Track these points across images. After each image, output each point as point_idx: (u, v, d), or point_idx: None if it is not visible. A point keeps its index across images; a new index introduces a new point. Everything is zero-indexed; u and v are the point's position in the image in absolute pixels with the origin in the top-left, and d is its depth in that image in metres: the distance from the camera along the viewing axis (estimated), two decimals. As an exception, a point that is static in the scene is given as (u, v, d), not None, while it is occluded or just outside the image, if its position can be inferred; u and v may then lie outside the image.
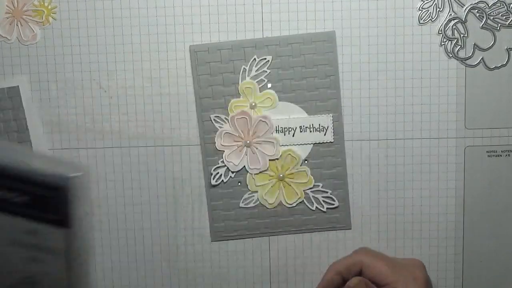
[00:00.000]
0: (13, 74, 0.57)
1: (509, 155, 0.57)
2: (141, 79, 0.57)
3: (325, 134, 0.56)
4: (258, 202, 0.58)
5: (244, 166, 0.57)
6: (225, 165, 0.57)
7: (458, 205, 0.58)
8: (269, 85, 0.56)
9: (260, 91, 0.56)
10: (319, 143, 0.57)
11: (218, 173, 0.57)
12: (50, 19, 0.56)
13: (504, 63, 0.56)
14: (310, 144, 0.57)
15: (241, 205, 0.58)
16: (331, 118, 0.56)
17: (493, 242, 0.58)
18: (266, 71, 0.56)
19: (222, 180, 0.57)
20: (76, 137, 0.57)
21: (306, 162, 0.57)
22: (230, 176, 0.57)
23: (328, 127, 0.56)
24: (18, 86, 0.57)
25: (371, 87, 0.56)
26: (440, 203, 0.58)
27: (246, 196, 0.58)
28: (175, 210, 0.58)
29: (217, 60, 0.56)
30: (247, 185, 0.57)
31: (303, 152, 0.57)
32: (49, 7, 0.56)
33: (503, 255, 0.58)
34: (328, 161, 0.57)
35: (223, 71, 0.56)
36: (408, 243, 0.58)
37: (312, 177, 0.57)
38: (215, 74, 0.56)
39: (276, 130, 0.56)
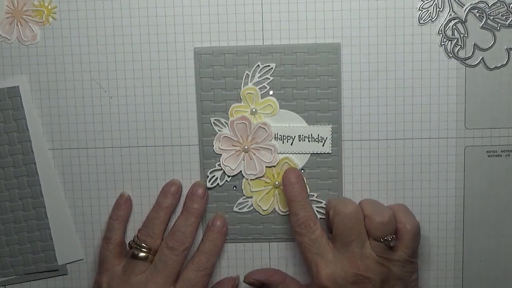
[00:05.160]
0: (13, 74, 0.57)
1: (509, 155, 0.57)
2: (141, 79, 0.57)
3: (323, 145, 0.56)
4: (252, 207, 0.57)
5: (241, 171, 0.57)
6: (221, 169, 0.57)
7: (458, 205, 0.58)
8: (271, 92, 0.56)
9: (262, 98, 0.56)
10: (316, 153, 0.57)
11: (214, 176, 0.57)
12: (50, 19, 0.56)
13: (504, 63, 0.56)
14: (307, 153, 0.57)
15: (235, 209, 0.58)
16: (330, 129, 0.56)
17: (493, 242, 0.58)
18: (269, 78, 0.56)
19: (218, 184, 0.57)
20: (76, 137, 0.57)
21: (303, 171, 0.57)
22: (226, 180, 0.57)
23: (326, 138, 0.56)
24: (18, 86, 0.57)
25: (371, 87, 0.56)
26: (440, 203, 0.58)
27: (240, 200, 0.57)
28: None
29: (220, 64, 0.56)
30: (242, 190, 0.57)
31: (300, 161, 0.57)
32: (49, 7, 0.56)
33: (503, 255, 0.58)
34: (324, 171, 0.57)
35: (226, 75, 0.56)
36: (408, 243, 0.58)
37: (308, 187, 0.57)
38: (218, 77, 0.56)
39: (275, 138, 0.56)
